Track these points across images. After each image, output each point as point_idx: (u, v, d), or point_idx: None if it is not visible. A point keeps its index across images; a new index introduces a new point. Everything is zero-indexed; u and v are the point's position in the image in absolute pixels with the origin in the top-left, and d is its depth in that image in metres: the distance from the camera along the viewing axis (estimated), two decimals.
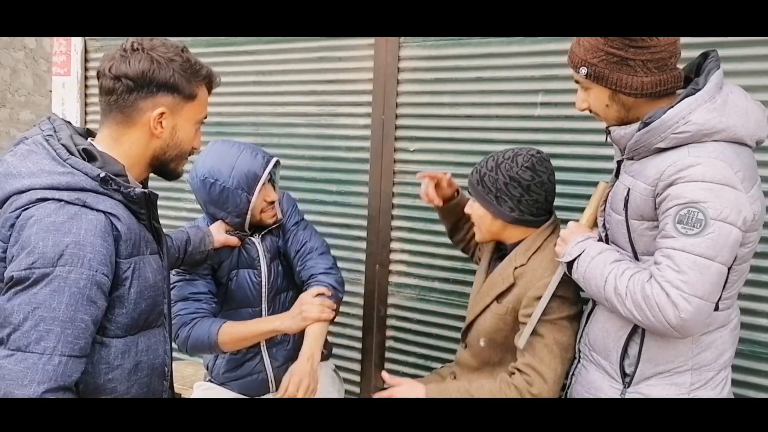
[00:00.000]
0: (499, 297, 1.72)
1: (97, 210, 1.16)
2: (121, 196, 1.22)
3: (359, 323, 2.58)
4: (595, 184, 2.01)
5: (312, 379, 1.75)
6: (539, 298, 1.60)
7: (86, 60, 3.09)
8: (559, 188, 2.12)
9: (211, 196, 1.86)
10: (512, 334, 1.69)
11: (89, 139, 1.29)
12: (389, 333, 2.52)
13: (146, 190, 1.27)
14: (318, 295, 1.85)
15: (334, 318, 1.90)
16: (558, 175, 2.12)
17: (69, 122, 1.29)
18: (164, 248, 1.41)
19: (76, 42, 3.07)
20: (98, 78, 1.26)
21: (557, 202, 2.12)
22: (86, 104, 3.11)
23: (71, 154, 1.19)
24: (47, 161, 1.17)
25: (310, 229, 2.08)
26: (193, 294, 1.92)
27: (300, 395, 1.71)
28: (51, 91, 7.02)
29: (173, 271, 1.89)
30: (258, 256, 1.97)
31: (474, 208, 1.76)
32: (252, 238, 1.98)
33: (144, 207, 1.28)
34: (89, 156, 1.21)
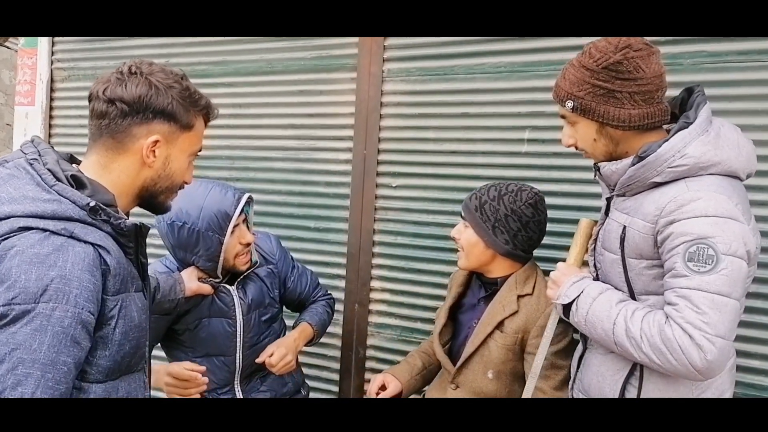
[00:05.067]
0: (501, 325, 1.67)
1: (86, 242, 1.07)
2: (111, 227, 1.13)
3: (336, 365, 2.48)
4: None
5: (294, 356, 1.85)
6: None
7: (52, 90, 2.97)
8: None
9: (179, 240, 1.74)
10: (519, 364, 1.68)
11: (74, 165, 1.21)
12: (368, 376, 2.40)
13: (137, 222, 1.19)
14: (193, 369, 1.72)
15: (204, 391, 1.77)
16: None
17: (53, 147, 1.20)
18: (149, 286, 1.33)
19: (42, 71, 2.95)
20: (89, 101, 1.18)
21: (544, 240, 2.09)
22: (50, 135, 2.97)
23: (58, 180, 1.10)
24: (31, 187, 1.08)
25: (299, 266, 2.09)
26: None
27: (279, 366, 1.79)
28: (8, 125, 6.77)
29: None
30: (233, 305, 1.85)
31: (466, 234, 1.71)
32: (227, 286, 1.86)
33: (133, 240, 1.20)
34: (78, 183, 1.12)
